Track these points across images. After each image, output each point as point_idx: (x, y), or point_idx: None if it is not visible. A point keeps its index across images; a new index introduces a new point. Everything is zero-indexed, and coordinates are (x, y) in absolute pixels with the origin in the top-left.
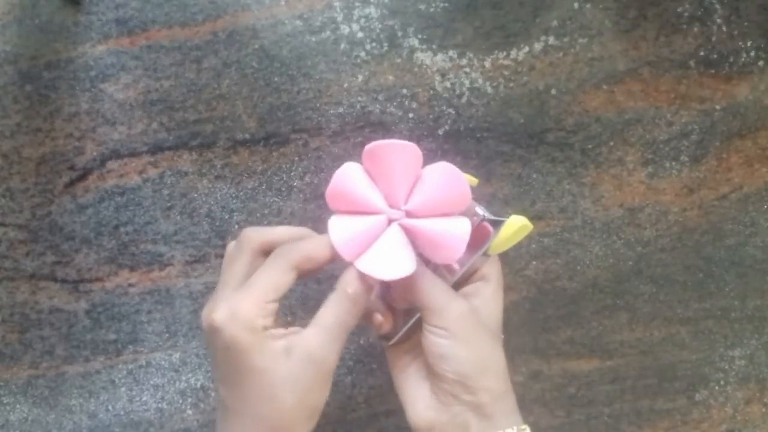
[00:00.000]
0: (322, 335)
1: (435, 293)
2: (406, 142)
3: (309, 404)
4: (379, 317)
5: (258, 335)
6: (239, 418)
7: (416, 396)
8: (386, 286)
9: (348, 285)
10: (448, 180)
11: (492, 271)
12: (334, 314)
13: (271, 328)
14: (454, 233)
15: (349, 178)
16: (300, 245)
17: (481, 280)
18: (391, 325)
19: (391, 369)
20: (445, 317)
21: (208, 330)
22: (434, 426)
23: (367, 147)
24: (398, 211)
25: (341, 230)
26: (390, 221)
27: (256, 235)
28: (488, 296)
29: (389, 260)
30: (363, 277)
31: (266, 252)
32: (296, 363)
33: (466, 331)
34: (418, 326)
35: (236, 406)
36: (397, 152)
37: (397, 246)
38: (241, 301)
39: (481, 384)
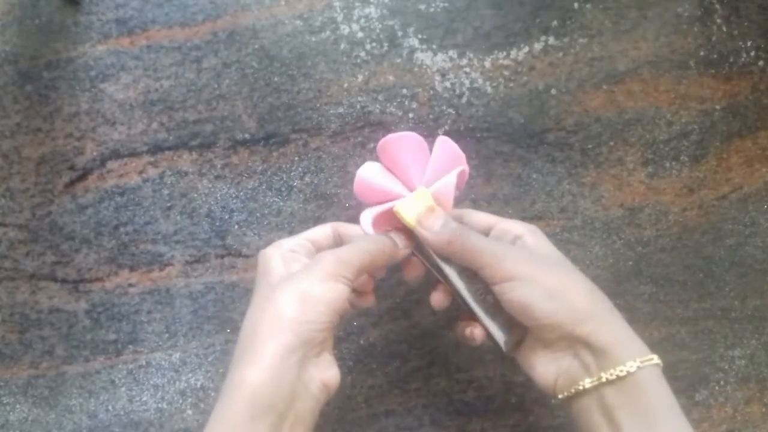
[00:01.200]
0: (332, 253)
1: (488, 247)
2: (408, 133)
3: (298, 291)
4: (468, 329)
5: (282, 250)
6: (246, 319)
7: (535, 360)
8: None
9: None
10: (444, 151)
11: (520, 228)
12: (355, 240)
13: (298, 254)
14: (444, 182)
15: (369, 174)
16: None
17: (518, 240)
18: (482, 332)
19: (518, 360)
20: (506, 267)
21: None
22: (558, 379)
23: (379, 144)
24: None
25: (369, 216)
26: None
27: (336, 222)
28: (532, 244)
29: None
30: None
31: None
32: (299, 268)
33: (532, 269)
34: (521, 327)
35: (246, 314)
36: (403, 143)
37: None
38: (284, 239)
39: (573, 315)
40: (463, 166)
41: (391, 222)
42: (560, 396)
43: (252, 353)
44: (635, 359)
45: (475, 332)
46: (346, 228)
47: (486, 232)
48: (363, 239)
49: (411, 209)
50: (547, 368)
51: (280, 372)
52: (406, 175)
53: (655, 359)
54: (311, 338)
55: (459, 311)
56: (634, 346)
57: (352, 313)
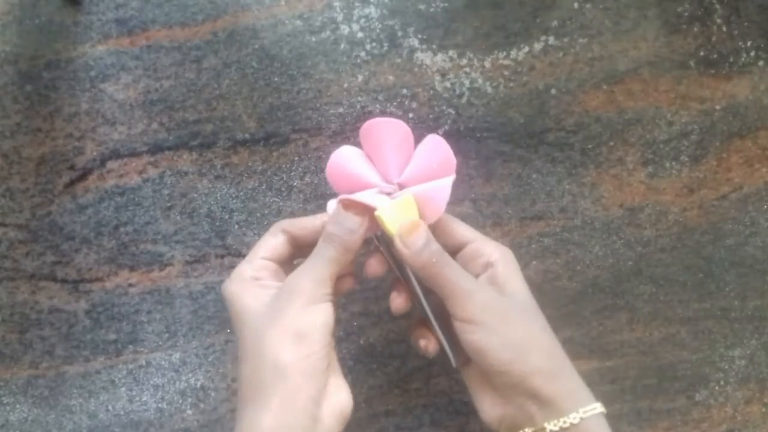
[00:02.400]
0: (298, 270)
1: (460, 284)
2: (395, 120)
3: (287, 329)
4: (422, 341)
5: (246, 283)
6: (241, 369)
7: (483, 395)
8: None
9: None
10: (435, 151)
11: (494, 253)
12: (313, 253)
13: (264, 280)
14: (436, 191)
15: (345, 158)
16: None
17: (489, 268)
18: (436, 345)
19: (463, 377)
20: (469, 309)
21: (225, 304)
22: (503, 421)
23: (363, 127)
24: (390, 185)
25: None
26: (384, 194)
27: (284, 221)
28: (502, 277)
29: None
30: (339, 217)
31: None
32: (274, 297)
33: (494, 318)
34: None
35: (239, 358)
36: (388, 129)
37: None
38: (238, 266)
39: (526, 368)
40: (453, 175)
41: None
42: None
43: (262, 403)
44: (578, 410)
45: (430, 347)
46: (295, 225)
47: (460, 247)
48: (322, 247)
49: (393, 218)
50: (494, 408)
51: (294, 416)
52: (384, 166)
53: (599, 408)
54: (316, 369)
55: (414, 313)
56: (580, 396)
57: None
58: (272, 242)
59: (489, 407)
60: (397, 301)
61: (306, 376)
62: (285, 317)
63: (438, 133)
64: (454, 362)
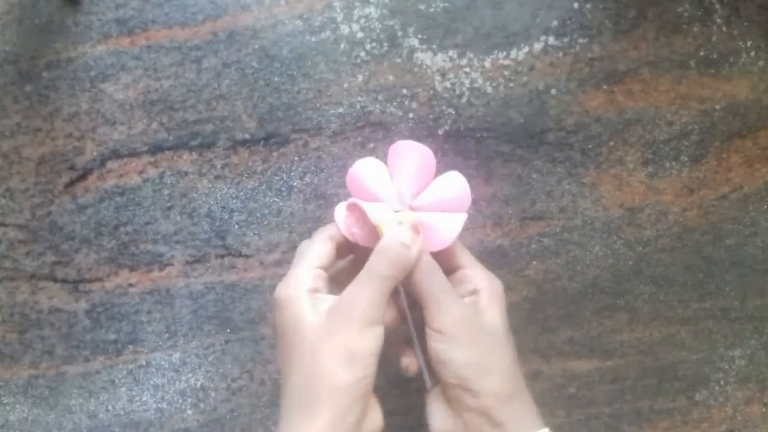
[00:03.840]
0: (353, 285)
1: (437, 292)
2: (422, 146)
3: (343, 349)
4: (405, 360)
5: (305, 293)
6: (289, 377)
7: (435, 407)
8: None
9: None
10: (453, 186)
11: (482, 281)
12: (366, 268)
13: (320, 291)
14: (444, 223)
15: (367, 169)
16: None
17: (474, 294)
18: (416, 367)
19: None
20: (442, 320)
21: (273, 306)
22: None
23: (392, 145)
24: (401, 205)
25: (343, 208)
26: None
27: (327, 227)
28: (483, 305)
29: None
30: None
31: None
32: (330, 313)
33: (464, 334)
34: None
35: (286, 366)
36: (413, 152)
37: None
38: (294, 271)
39: (482, 387)
40: (466, 214)
41: (360, 221)
42: None
43: (311, 416)
44: None
45: (411, 367)
46: (337, 232)
47: (453, 270)
48: (376, 262)
49: (391, 222)
50: (445, 422)
51: None
52: (402, 186)
53: None
54: (366, 392)
55: (400, 330)
56: (530, 422)
57: None
58: (324, 250)
59: (441, 421)
60: (407, 362)
61: (357, 397)
62: (342, 336)
63: (438, 133)
64: (429, 386)
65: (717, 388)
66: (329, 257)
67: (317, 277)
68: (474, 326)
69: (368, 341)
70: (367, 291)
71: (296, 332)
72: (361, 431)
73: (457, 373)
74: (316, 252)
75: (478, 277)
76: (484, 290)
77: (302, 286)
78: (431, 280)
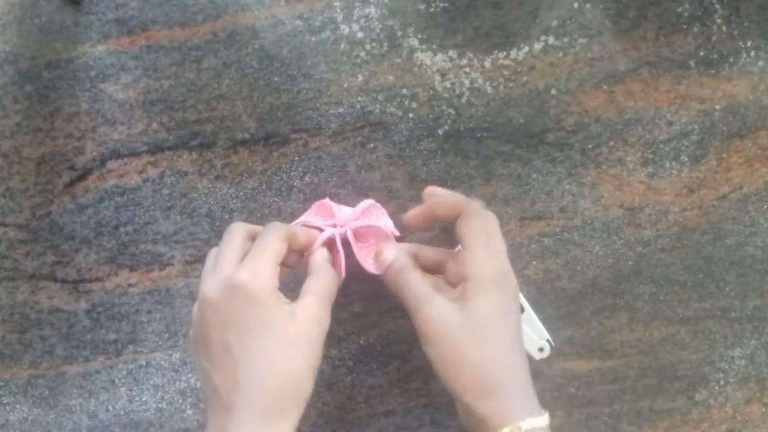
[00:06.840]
0: (319, 300)
1: (414, 291)
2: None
3: (313, 362)
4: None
5: (273, 294)
6: (249, 375)
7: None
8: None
9: (324, 257)
10: (379, 217)
11: (472, 266)
12: (322, 283)
13: (280, 290)
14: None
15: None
16: (286, 225)
17: (464, 281)
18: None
19: None
20: (415, 321)
21: (228, 290)
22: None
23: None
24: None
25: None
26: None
27: (243, 224)
28: (471, 294)
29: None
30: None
31: (252, 238)
32: (303, 323)
33: (435, 334)
34: None
35: (244, 361)
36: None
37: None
38: (260, 263)
39: (456, 386)
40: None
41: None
42: None
43: (274, 425)
44: (504, 428)
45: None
46: (296, 240)
47: (440, 266)
48: (319, 267)
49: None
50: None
51: None
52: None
53: (524, 427)
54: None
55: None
56: (519, 412)
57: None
58: (281, 249)
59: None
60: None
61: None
62: (314, 348)
63: (438, 133)
64: None
65: (717, 388)
66: (282, 256)
67: (277, 277)
68: (447, 324)
69: (320, 354)
70: (327, 305)
71: (267, 330)
72: None
73: (437, 372)
74: (276, 249)
75: (472, 262)
76: (472, 278)
77: (268, 281)
78: (401, 281)
